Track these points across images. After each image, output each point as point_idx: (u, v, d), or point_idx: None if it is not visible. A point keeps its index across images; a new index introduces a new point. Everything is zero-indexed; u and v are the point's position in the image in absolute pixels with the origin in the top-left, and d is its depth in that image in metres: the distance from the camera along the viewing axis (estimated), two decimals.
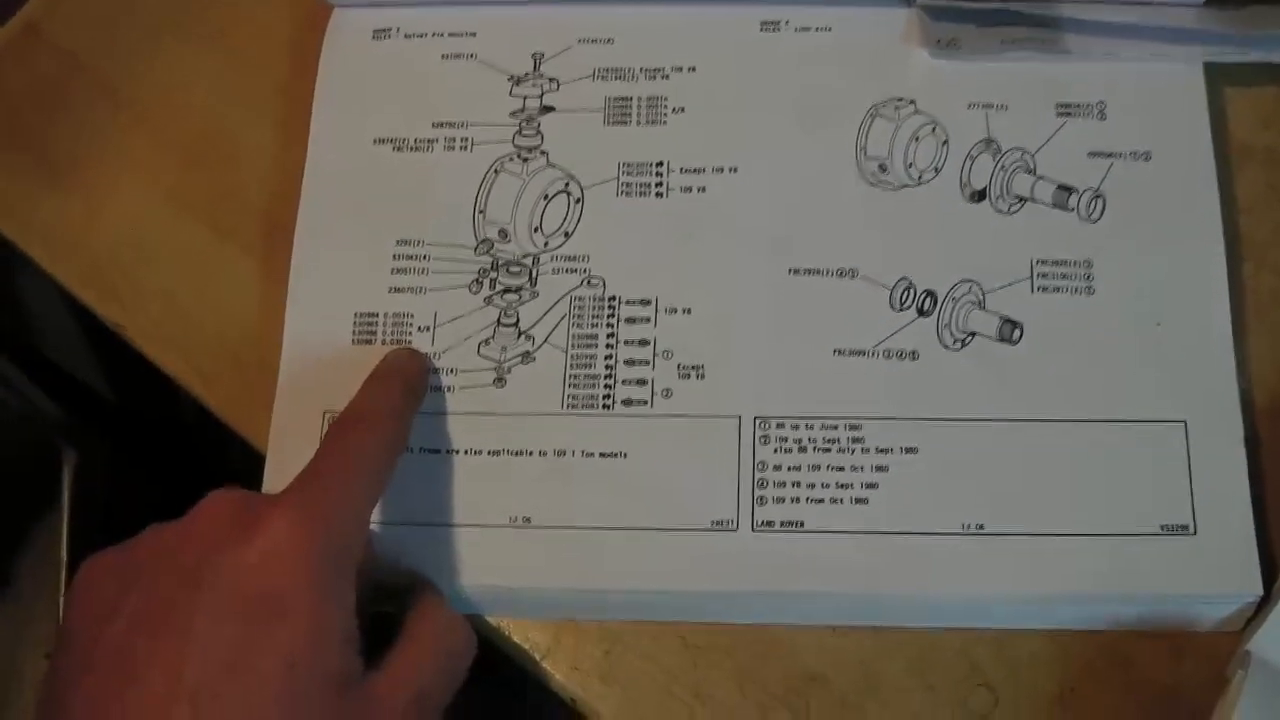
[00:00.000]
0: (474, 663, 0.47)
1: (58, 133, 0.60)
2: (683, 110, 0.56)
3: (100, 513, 0.58)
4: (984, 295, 0.52)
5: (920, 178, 0.54)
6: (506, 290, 0.54)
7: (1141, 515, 0.49)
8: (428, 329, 0.53)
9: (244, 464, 0.53)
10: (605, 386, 0.52)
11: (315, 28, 0.58)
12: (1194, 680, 0.49)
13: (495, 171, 0.55)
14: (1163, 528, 0.49)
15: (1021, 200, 0.53)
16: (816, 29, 0.57)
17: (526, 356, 0.53)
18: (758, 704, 0.49)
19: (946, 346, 0.52)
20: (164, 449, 0.68)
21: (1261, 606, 0.48)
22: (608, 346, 0.53)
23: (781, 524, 0.50)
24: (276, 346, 0.54)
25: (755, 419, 0.51)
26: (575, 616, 0.51)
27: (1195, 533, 0.49)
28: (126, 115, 0.60)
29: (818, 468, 0.50)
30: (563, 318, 0.53)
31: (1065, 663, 0.49)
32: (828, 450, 0.51)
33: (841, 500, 0.50)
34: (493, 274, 0.54)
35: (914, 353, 0.52)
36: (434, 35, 0.58)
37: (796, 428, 0.51)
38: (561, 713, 0.51)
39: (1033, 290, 0.52)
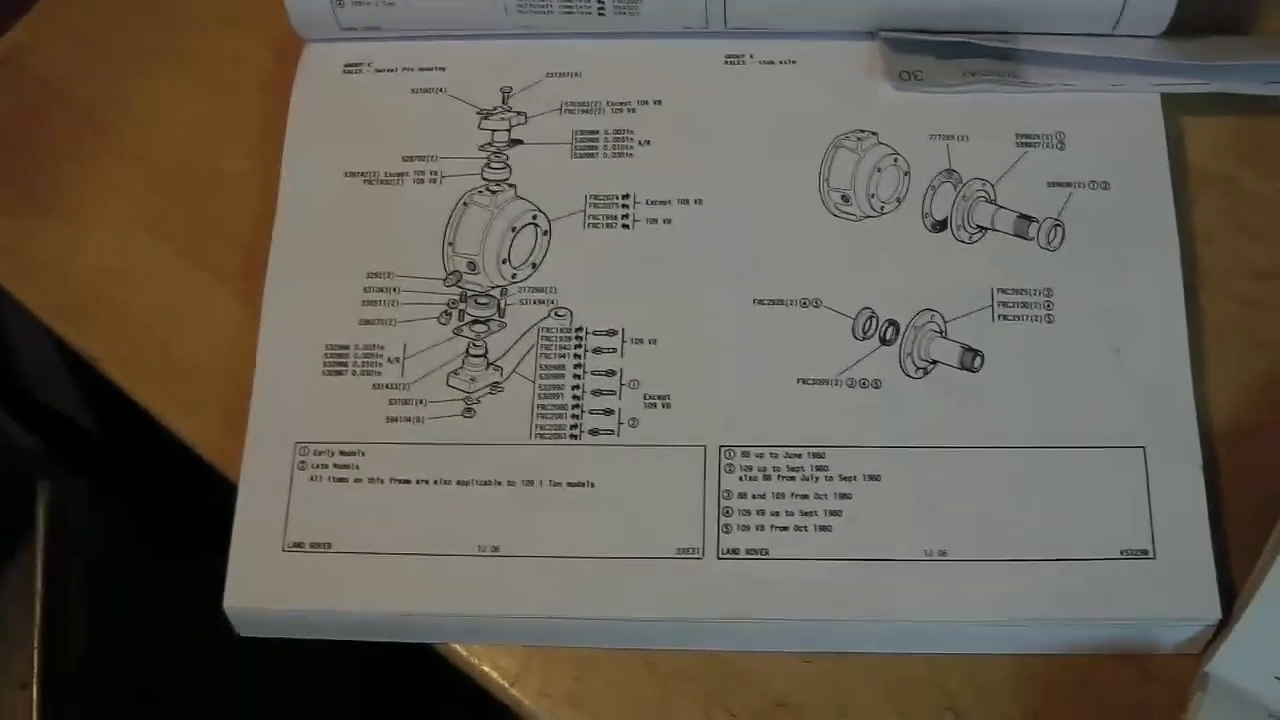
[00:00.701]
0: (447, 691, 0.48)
1: (36, 161, 0.61)
2: (649, 143, 0.57)
3: (76, 545, 0.59)
4: (945, 324, 0.53)
5: (883, 208, 0.55)
6: (475, 321, 0.54)
7: (1101, 540, 0.50)
8: (397, 360, 0.54)
9: (219, 495, 0.53)
10: (573, 416, 0.53)
11: (290, 60, 0.59)
12: (1160, 703, 0.49)
13: (464, 204, 0.56)
14: (1122, 552, 0.49)
15: (982, 229, 0.54)
16: (781, 62, 0.57)
17: (495, 387, 0.53)
18: None
19: (909, 375, 0.52)
20: (141, 479, 0.69)
21: (1221, 629, 0.49)
22: (575, 376, 0.53)
23: (746, 551, 0.50)
24: (251, 376, 0.54)
25: (720, 447, 0.52)
26: (543, 643, 0.51)
27: (1154, 557, 0.49)
28: (106, 144, 0.61)
29: (782, 495, 0.51)
30: (531, 348, 0.54)
31: (1032, 687, 0.50)
32: (792, 478, 0.51)
33: (806, 528, 0.51)
34: (461, 305, 0.55)
35: (877, 381, 0.52)
36: (404, 69, 0.59)
37: (761, 456, 0.52)
38: None
39: (994, 319, 0.53)
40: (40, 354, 0.66)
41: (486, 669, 0.51)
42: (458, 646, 0.52)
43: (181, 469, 0.56)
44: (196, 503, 0.48)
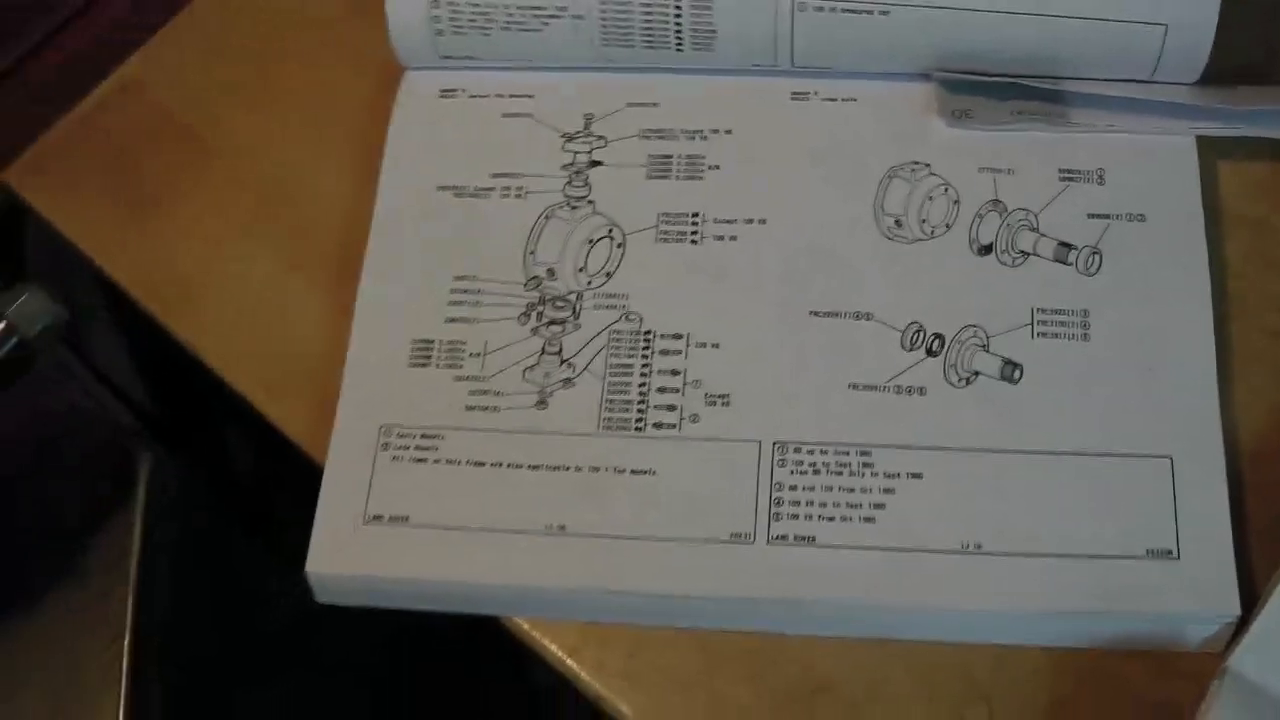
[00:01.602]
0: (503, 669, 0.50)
1: (150, 179, 0.66)
2: (718, 168, 0.61)
3: (171, 511, 0.62)
4: (988, 339, 0.56)
5: (933, 232, 0.58)
6: (552, 322, 0.58)
7: (1129, 540, 0.52)
8: (478, 355, 0.58)
9: (303, 477, 0.57)
10: (638, 411, 0.56)
11: (388, 88, 0.64)
12: (1181, 698, 0.50)
13: (546, 218, 0.60)
14: (1148, 552, 0.52)
15: (1025, 255, 0.58)
16: (843, 99, 0.62)
17: (567, 382, 0.57)
18: (770, 708, 0.53)
19: (952, 384, 0.56)
20: (234, 460, 0.73)
21: (1241, 626, 0.51)
22: (642, 375, 0.57)
23: (795, 538, 0.53)
24: (338, 371, 0.58)
25: (774, 444, 0.55)
26: (601, 619, 0.54)
27: (1178, 557, 0.52)
28: (211, 161, 0.66)
29: (830, 489, 0.54)
30: (602, 349, 0.58)
31: (1059, 678, 0.52)
32: (840, 473, 0.54)
33: (851, 519, 0.54)
34: (540, 308, 0.59)
35: (922, 389, 0.56)
36: (495, 96, 0.64)
37: (812, 453, 0.55)
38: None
39: (1033, 336, 0.56)
40: (138, 355, 0.71)
41: (546, 643, 0.54)
42: (520, 621, 0.55)
43: (267, 453, 0.59)
44: (281, 480, 0.51)
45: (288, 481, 0.58)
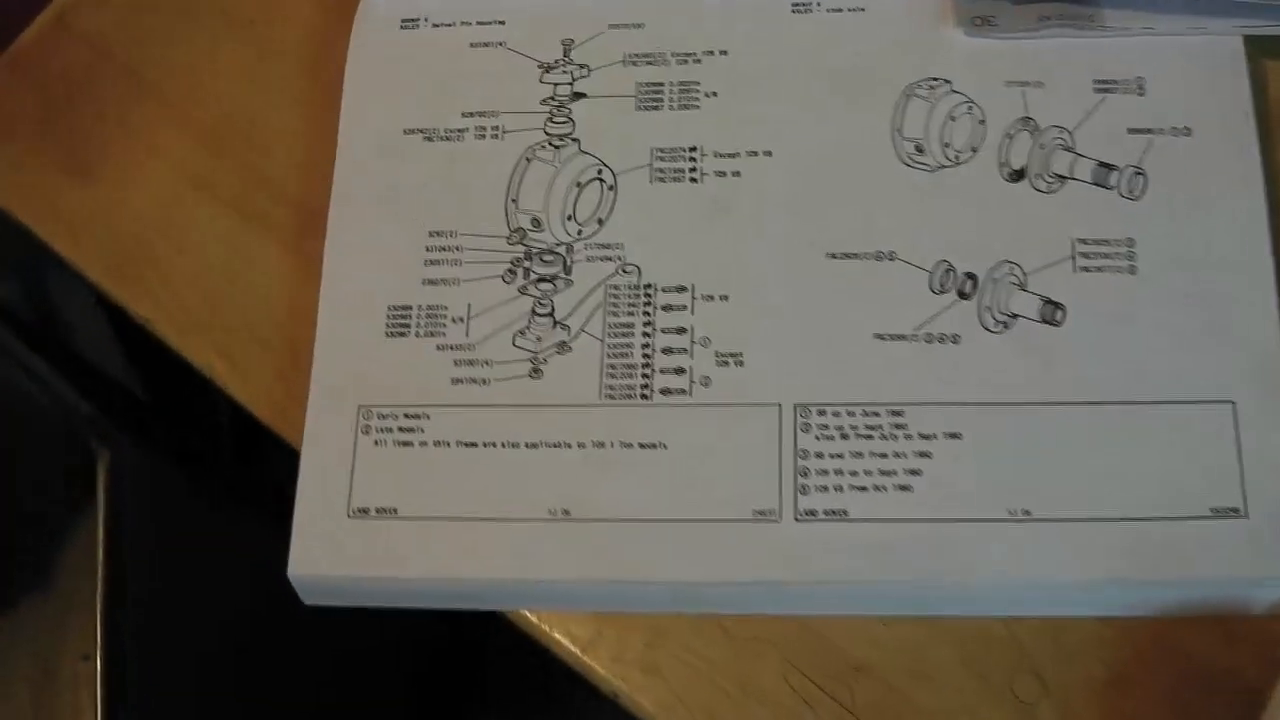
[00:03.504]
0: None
1: (83, 122, 0.60)
2: (715, 95, 0.55)
3: (137, 510, 0.58)
4: (1025, 276, 0.51)
5: (958, 158, 0.53)
6: (541, 280, 0.53)
7: (1190, 498, 0.48)
8: (461, 320, 0.53)
9: (279, 458, 0.53)
10: (643, 376, 0.52)
11: (343, 16, 0.58)
12: (1246, 665, 0.48)
13: (527, 160, 0.55)
14: (1212, 510, 0.48)
15: (1061, 179, 0.53)
16: (849, 9, 0.56)
17: (563, 346, 0.52)
18: (803, 694, 0.49)
19: (988, 329, 0.51)
20: (200, 444, 0.68)
21: None
22: (644, 335, 0.52)
23: (825, 513, 0.49)
24: (309, 336, 0.54)
25: (796, 406, 0.51)
26: (616, 609, 0.50)
27: (1246, 515, 0.48)
28: (152, 103, 0.60)
29: (860, 455, 0.50)
30: (598, 306, 0.53)
31: (1116, 649, 0.49)
32: (870, 437, 0.50)
33: (885, 488, 0.49)
34: (526, 263, 0.53)
35: (955, 336, 0.51)
36: (462, 24, 0.58)
37: (838, 415, 0.50)
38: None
39: (1074, 270, 0.51)
40: (92, 320, 0.65)
41: (558, 636, 0.51)
42: (528, 613, 0.51)
43: (239, 434, 0.55)
44: (255, 468, 0.47)
45: (263, 464, 0.53)
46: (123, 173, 0.59)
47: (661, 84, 0.56)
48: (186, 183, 0.58)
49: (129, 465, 0.57)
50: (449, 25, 0.58)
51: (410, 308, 0.53)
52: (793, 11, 0.56)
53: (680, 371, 0.51)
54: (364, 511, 0.51)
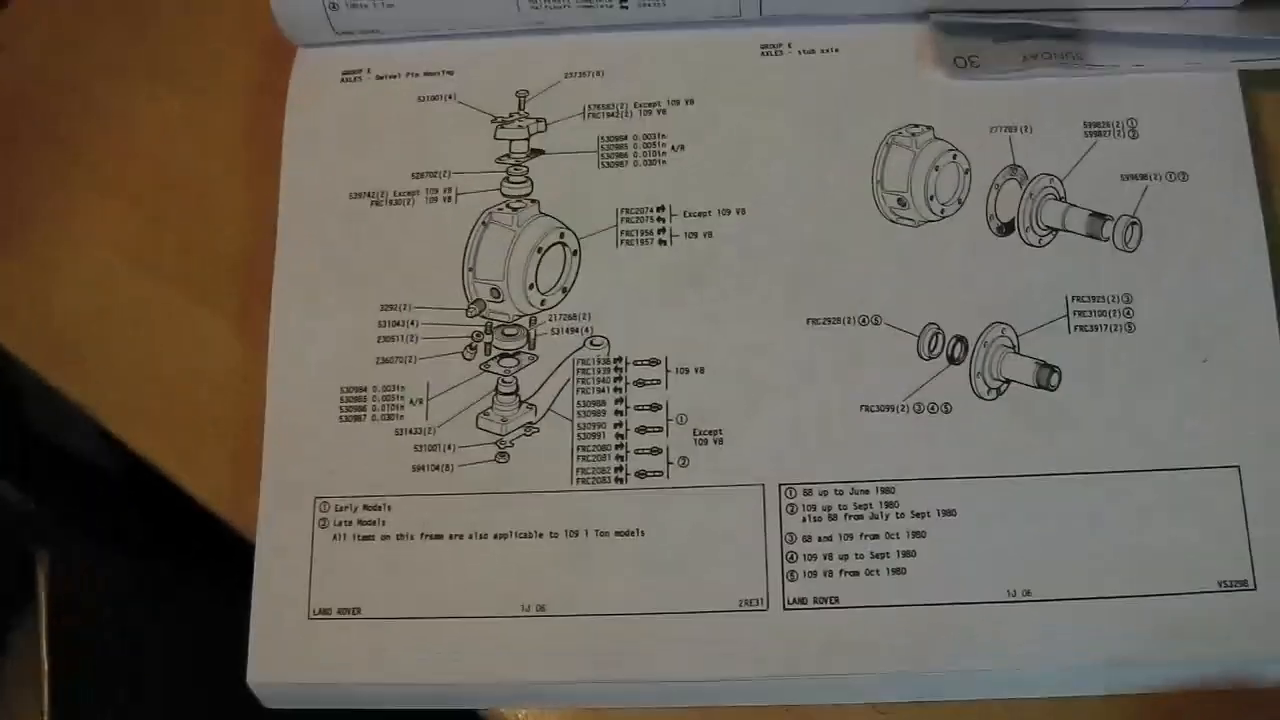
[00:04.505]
0: None
1: (6, 191, 0.56)
2: (682, 148, 0.52)
3: (82, 615, 0.54)
4: (1018, 338, 0.48)
5: (943, 211, 0.50)
6: (503, 355, 0.50)
7: (1197, 572, 0.46)
8: (420, 401, 0.50)
9: (235, 551, 0.49)
10: (617, 458, 0.48)
11: (282, 68, 0.54)
12: None
13: (483, 224, 0.51)
14: (1220, 584, 0.46)
15: (1052, 230, 0.50)
16: (822, 51, 0.52)
17: (529, 428, 0.49)
18: None
19: (981, 396, 0.48)
20: (149, 538, 0.64)
21: None
22: (617, 413, 0.49)
23: (815, 600, 0.46)
24: (260, 420, 0.50)
25: (780, 486, 0.48)
26: (598, 704, 0.48)
27: (1255, 588, 0.46)
28: (81, 170, 0.56)
29: (850, 537, 0.47)
30: (566, 383, 0.49)
31: None
32: (860, 517, 0.47)
33: (878, 571, 0.47)
34: (487, 338, 0.50)
35: (947, 405, 0.48)
36: (408, 75, 0.54)
37: (825, 494, 0.47)
38: None
39: (1069, 330, 0.49)
40: (28, 403, 0.61)
41: None
42: (505, 711, 0.48)
43: (191, 525, 0.51)
44: (209, 562, 0.44)
45: (218, 557, 0.50)
46: (50, 246, 0.55)
47: (625, 137, 0.52)
48: (122, 256, 0.54)
49: (72, 564, 0.53)
50: (393, 77, 0.53)
51: (365, 389, 0.50)
52: (762, 55, 0.53)
53: (656, 451, 0.48)
54: (325, 612, 0.48)
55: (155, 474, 0.51)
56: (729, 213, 0.51)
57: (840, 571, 0.47)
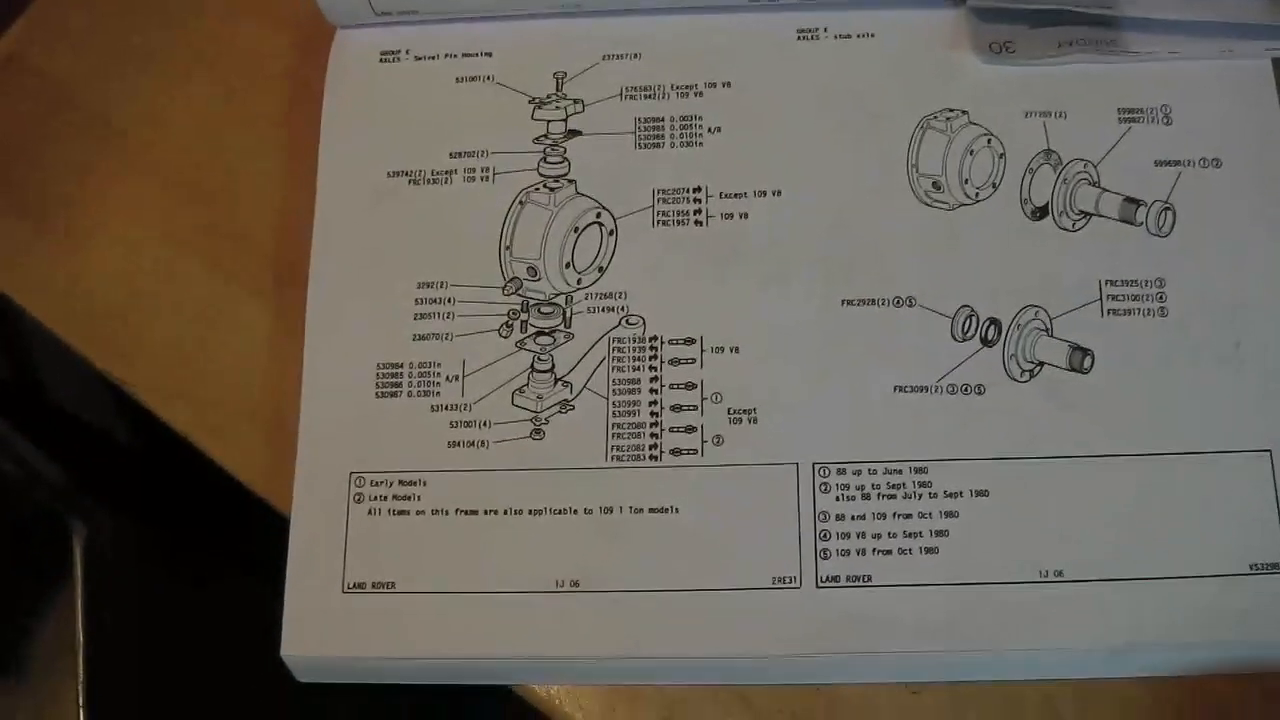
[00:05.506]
0: None
1: (44, 172, 0.56)
2: (719, 130, 0.52)
3: (117, 588, 0.55)
4: (1051, 321, 0.49)
5: (977, 195, 0.50)
6: (539, 333, 0.50)
7: (1229, 554, 0.46)
8: (456, 378, 0.50)
9: (268, 526, 0.50)
10: (651, 435, 0.49)
11: (318, 51, 0.55)
12: None
13: (520, 203, 0.52)
14: (1252, 567, 0.46)
15: (1086, 215, 0.50)
16: (858, 35, 0.53)
17: (565, 405, 0.49)
18: None
19: (1014, 378, 0.48)
20: (182, 512, 0.65)
21: None
22: (652, 391, 0.49)
23: (847, 579, 0.47)
24: (294, 397, 0.50)
25: (814, 465, 0.48)
26: (629, 682, 0.48)
27: None
28: (117, 151, 0.56)
29: (883, 516, 0.47)
30: (601, 361, 0.50)
31: (1153, 711, 0.47)
32: (893, 496, 0.47)
33: (910, 551, 0.47)
34: (523, 316, 0.50)
35: (980, 386, 0.48)
36: (447, 56, 0.54)
37: (859, 473, 0.48)
38: None
39: (1103, 314, 0.49)
40: (66, 380, 0.61)
41: (569, 710, 0.48)
42: (537, 688, 0.48)
43: (224, 502, 0.52)
44: (242, 537, 0.44)
45: (253, 532, 0.50)
46: (88, 224, 0.55)
47: (661, 119, 0.52)
48: (157, 236, 0.54)
49: (108, 538, 0.53)
50: (432, 58, 0.54)
51: (401, 365, 0.50)
52: (799, 39, 0.53)
53: (691, 430, 0.49)
54: (359, 586, 0.48)
55: (191, 450, 0.52)
56: (764, 194, 0.51)
57: (873, 550, 0.47)
